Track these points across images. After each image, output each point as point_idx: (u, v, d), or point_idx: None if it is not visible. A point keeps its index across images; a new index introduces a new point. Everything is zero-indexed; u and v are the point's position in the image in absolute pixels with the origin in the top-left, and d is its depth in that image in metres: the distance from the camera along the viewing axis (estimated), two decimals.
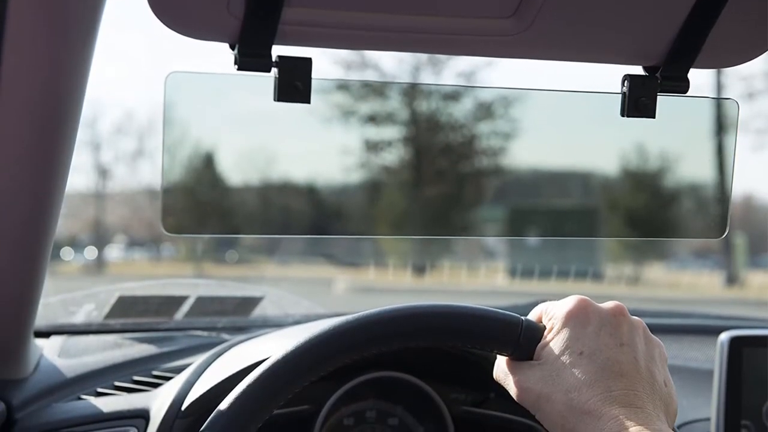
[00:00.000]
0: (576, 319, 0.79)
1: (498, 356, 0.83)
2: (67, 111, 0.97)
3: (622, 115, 0.87)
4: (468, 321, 0.82)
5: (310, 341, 0.80)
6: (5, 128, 0.93)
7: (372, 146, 0.98)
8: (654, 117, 0.87)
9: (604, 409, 0.73)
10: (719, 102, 0.93)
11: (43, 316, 1.46)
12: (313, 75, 0.77)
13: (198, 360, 1.28)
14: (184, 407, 1.18)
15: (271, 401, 0.80)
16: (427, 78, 18.37)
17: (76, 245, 18.77)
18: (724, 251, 17.07)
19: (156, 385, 1.29)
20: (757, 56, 0.90)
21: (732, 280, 16.28)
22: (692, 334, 1.77)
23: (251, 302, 1.71)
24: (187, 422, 1.17)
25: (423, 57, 16.85)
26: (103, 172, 22.00)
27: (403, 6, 0.78)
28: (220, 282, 1.95)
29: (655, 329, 0.84)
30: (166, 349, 1.45)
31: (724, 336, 1.32)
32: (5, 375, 1.24)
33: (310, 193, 0.97)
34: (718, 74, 16.89)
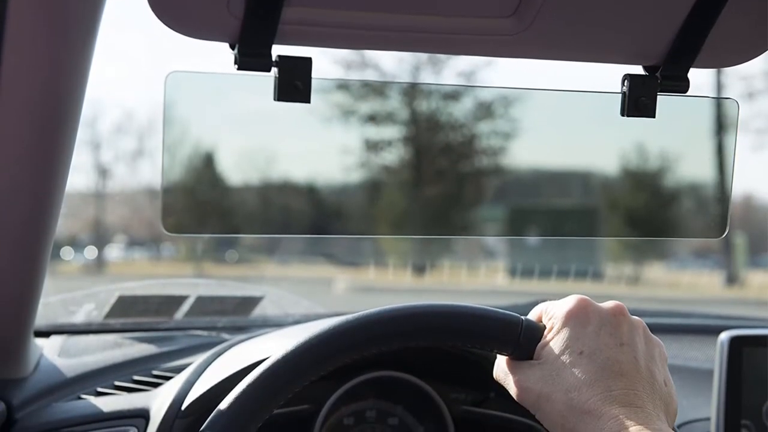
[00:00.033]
0: (576, 318, 0.79)
1: (498, 356, 0.83)
2: (67, 111, 0.97)
3: (622, 115, 0.88)
4: (468, 321, 0.82)
5: (310, 341, 0.80)
6: (5, 128, 0.93)
7: (372, 146, 0.98)
8: (654, 117, 0.87)
9: (604, 408, 0.73)
10: (719, 102, 0.93)
11: (43, 316, 1.46)
12: (313, 74, 0.77)
13: (198, 360, 1.28)
14: (184, 407, 1.18)
15: (271, 401, 0.80)
16: (427, 78, 18.37)
17: (76, 245, 18.76)
18: (724, 251, 17.07)
19: (156, 385, 1.29)
20: (757, 56, 0.90)
21: (732, 279, 16.28)
22: (692, 334, 1.77)
23: (251, 302, 1.71)
24: (187, 422, 1.17)
25: (423, 56, 16.85)
26: (103, 172, 22.00)
27: (403, 5, 0.78)
28: (220, 282, 1.95)
29: (655, 329, 0.84)
30: (166, 348, 1.45)
31: (724, 336, 1.32)
32: (5, 374, 1.24)
33: (310, 192, 0.97)
34: (718, 74, 16.89)
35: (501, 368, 0.82)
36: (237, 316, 1.67)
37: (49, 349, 1.40)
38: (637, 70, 0.88)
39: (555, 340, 0.78)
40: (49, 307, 1.58)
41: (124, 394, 1.29)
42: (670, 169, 1.03)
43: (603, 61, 0.88)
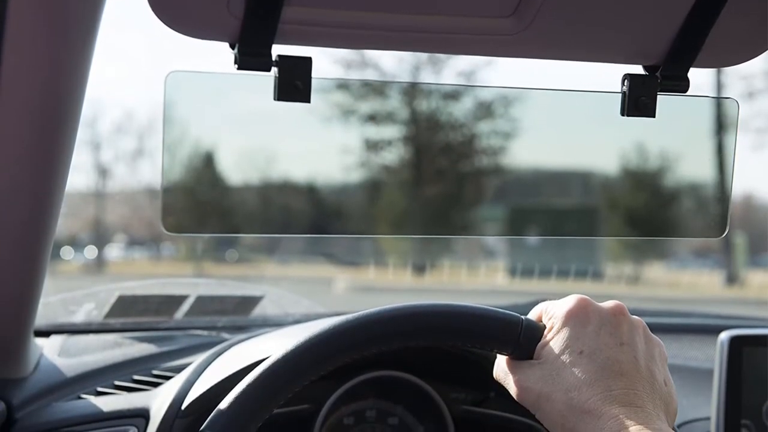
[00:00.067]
0: (576, 318, 0.79)
1: (498, 355, 0.83)
2: (67, 111, 0.97)
3: (622, 115, 0.87)
4: (468, 320, 0.82)
5: (310, 340, 0.80)
6: (5, 128, 0.93)
7: (372, 145, 0.98)
8: (654, 116, 0.87)
9: (604, 408, 0.73)
10: (719, 101, 0.93)
11: (43, 316, 1.46)
12: (313, 74, 0.77)
13: (198, 359, 1.28)
14: (184, 406, 1.18)
15: (271, 400, 0.80)
16: (427, 77, 18.37)
17: (76, 244, 18.76)
18: (724, 250, 17.06)
19: (156, 385, 1.29)
20: (757, 55, 0.90)
21: (732, 279, 16.27)
22: (692, 334, 1.77)
23: (251, 301, 1.71)
24: (187, 421, 1.17)
25: (423, 56, 16.85)
26: (103, 172, 22.00)
27: (403, 5, 0.78)
28: (220, 281, 1.95)
29: (655, 328, 0.84)
30: (166, 348, 1.45)
31: (724, 335, 1.32)
32: (5, 374, 1.24)
33: (310, 192, 0.97)
34: (718, 73, 16.89)
35: (501, 368, 0.82)
36: (237, 316, 1.67)
37: (49, 349, 1.40)
38: (637, 69, 0.88)
39: (555, 340, 0.78)
40: (49, 307, 1.58)
41: (124, 393, 1.29)
42: (670, 169, 1.03)
43: (603, 61, 0.88)
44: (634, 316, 0.81)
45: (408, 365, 1.29)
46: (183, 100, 0.79)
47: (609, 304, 0.81)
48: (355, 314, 0.82)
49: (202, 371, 1.23)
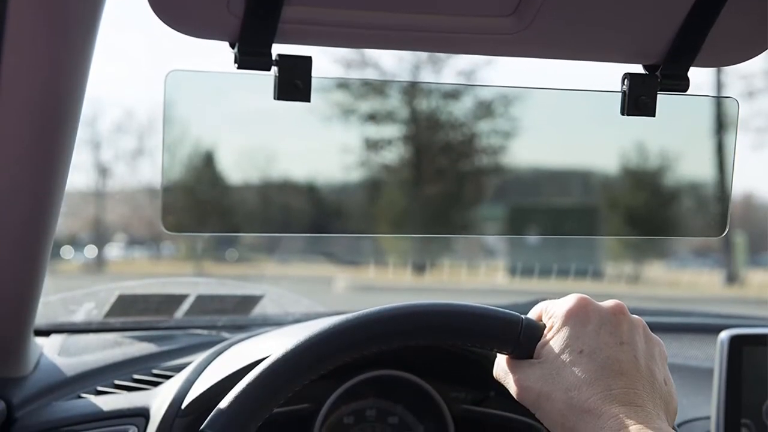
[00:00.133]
0: (576, 317, 0.79)
1: (498, 355, 0.83)
2: (67, 111, 0.97)
3: (622, 114, 0.87)
4: (468, 319, 0.82)
5: (310, 340, 0.80)
6: (5, 128, 0.93)
7: (372, 145, 0.98)
8: (654, 115, 0.87)
9: (604, 407, 0.73)
10: (719, 100, 0.93)
11: (43, 315, 1.46)
12: (313, 73, 0.77)
13: (198, 358, 1.28)
14: (184, 406, 1.18)
15: (271, 400, 0.80)
16: (427, 76, 18.37)
17: (76, 244, 18.76)
18: (724, 250, 17.06)
19: (156, 384, 1.29)
20: (757, 54, 0.90)
21: (732, 278, 16.27)
22: (692, 333, 1.77)
23: (251, 301, 1.71)
24: (187, 421, 1.17)
25: (423, 55, 16.84)
26: (103, 171, 21.99)
27: (403, 4, 0.78)
28: (220, 280, 1.95)
29: (655, 328, 0.84)
30: (166, 347, 1.45)
31: (724, 334, 1.32)
32: (5, 373, 1.24)
33: (310, 191, 0.97)
34: (718, 73, 16.88)
35: (501, 367, 0.82)
36: (237, 315, 1.67)
37: (49, 348, 1.40)
38: (637, 69, 0.88)
39: (555, 339, 0.78)
40: (49, 306, 1.58)
41: (124, 393, 1.29)
42: (670, 168, 1.03)
43: (603, 60, 0.88)
44: (634, 316, 0.81)
45: (408, 364, 1.29)
46: (183, 100, 0.79)
47: (609, 303, 0.81)
48: (355, 313, 0.82)
49: (202, 370, 1.23)
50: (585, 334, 0.77)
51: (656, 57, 0.86)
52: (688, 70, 0.87)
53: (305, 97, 0.78)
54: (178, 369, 1.29)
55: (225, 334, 1.52)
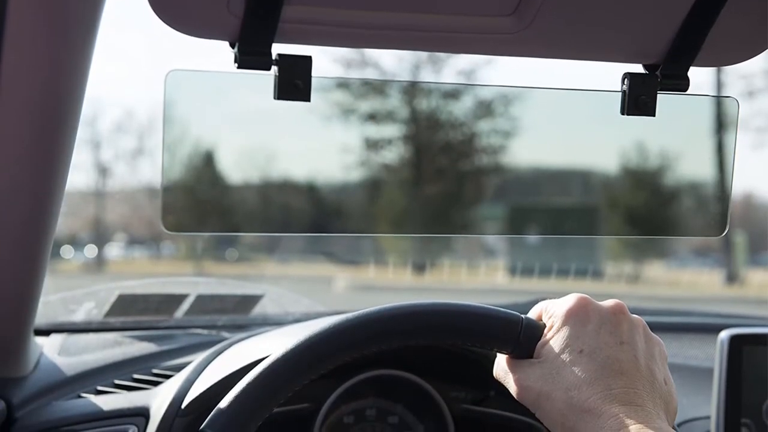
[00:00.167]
0: (576, 317, 0.79)
1: (498, 354, 0.83)
2: (67, 111, 0.97)
3: (622, 114, 0.87)
4: (468, 319, 0.82)
5: (310, 339, 0.80)
6: (5, 128, 0.93)
7: (372, 144, 0.98)
8: (654, 115, 0.87)
9: (604, 407, 0.73)
10: (719, 100, 0.93)
11: (43, 315, 1.46)
12: (313, 73, 0.77)
13: (198, 358, 1.28)
14: (184, 405, 1.18)
15: (271, 399, 0.80)
16: (427, 76, 18.37)
17: (76, 243, 18.76)
18: (724, 249, 17.05)
19: (156, 384, 1.29)
20: (757, 54, 0.90)
21: (732, 278, 16.27)
22: (692, 333, 1.77)
23: (251, 300, 1.71)
24: (187, 420, 1.17)
25: (423, 55, 16.84)
26: (103, 171, 21.99)
27: (403, 4, 0.78)
28: (220, 280, 1.95)
29: (655, 327, 0.84)
30: (166, 347, 1.45)
31: (724, 334, 1.32)
32: (5, 373, 1.24)
33: (310, 191, 0.97)
34: (718, 72, 16.88)
35: (501, 367, 0.82)
36: (237, 315, 1.67)
37: (49, 348, 1.40)
38: (637, 68, 0.88)
39: (555, 339, 0.78)
40: (49, 306, 1.58)
41: (124, 392, 1.29)
42: (670, 168, 1.03)
43: (603, 60, 0.88)
44: (634, 315, 0.81)
45: (408, 364, 1.29)
46: (183, 99, 0.79)
47: (609, 302, 0.81)
48: (355, 313, 0.82)
49: (202, 370, 1.23)
50: (585, 333, 0.77)
51: (656, 57, 0.86)
52: (688, 69, 0.87)
53: (305, 96, 0.78)
54: (178, 369, 1.29)
55: (225, 334, 1.52)
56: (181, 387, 1.20)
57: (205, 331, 1.55)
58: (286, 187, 0.94)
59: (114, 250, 20.70)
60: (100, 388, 1.30)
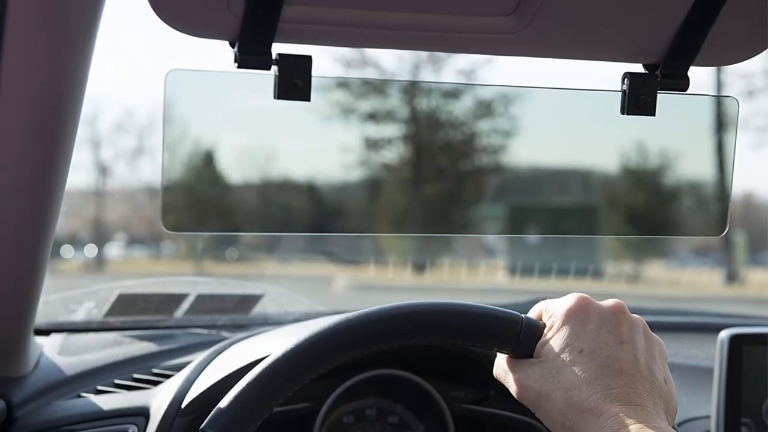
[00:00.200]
0: (576, 316, 0.79)
1: (498, 354, 0.83)
2: (67, 110, 0.97)
3: (622, 113, 0.87)
4: (468, 319, 0.82)
5: (310, 339, 0.80)
6: (5, 128, 0.93)
7: (372, 144, 0.98)
8: (654, 115, 0.87)
9: (604, 406, 0.73)
10: (719, 100, 0.93)
11: (43, 314, 1.46)
12: (313, 73, 0.77)
13: (198, 358, 1.28)
14: (184, 405, 1.18)
15: (271, 399, 0.80)
16: (427, 76, 18.37)
17: (76, 243, 18.75)
18: (724, 249, 17.05)
19: (156, 383, 1.29)
20: (757, 54, 0.90)
21: (732, 277, 16.26)
22: (692, 332, 1.77)
23: (251, 300, 1.71)
24: (187, 420, 1.17)
25: (423, 55, 16.84)
26: (103, 170, 21.99)
27: (403, 4, 0.78)
28: (220, 280, 1.95)
29: (655, 327, 0.84)
30: (166, 347, 1.45)
31: (724, 334, 1.32)
32: (5, 373, 1.24)
33: (310, 190, 0.97)
34: (718, 72, 16.87)
35: (501, 366, 0.82)
36: (237, 314, 1.67)
37: (49, 348, 1.40)
38: (637, 68, 0.88)
39: (555, 339, 0.78)
40: (49, 306, 1.58)
41: (124, 392, 1.29)
42: (670, 168, 1.03)
43: (603, 60, 0.88)
44: (634, 315, 0.81)
45: (408, 364, 1.29)
46: (183, 99, 0.79)
47: (609, 302, 0.81)
48: (355, 313, 0.82)
49: (202, 370, 1.23)
50: (585, 333, 0.77)
51: (656, 56, 0.86)
52: (688, 69, 0.87)
53: (305, 96, 0.78)
54: (178, 368, 1.29)
55: (225, 334, 1.52)
56: (181, 387, 1.20)
57: (205, 331, 1.55)
58: (286, 186, 0.94)
59: (114, 250, 20.70)
60: (100, 387, 1.30)
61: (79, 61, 0.94)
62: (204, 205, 0.92)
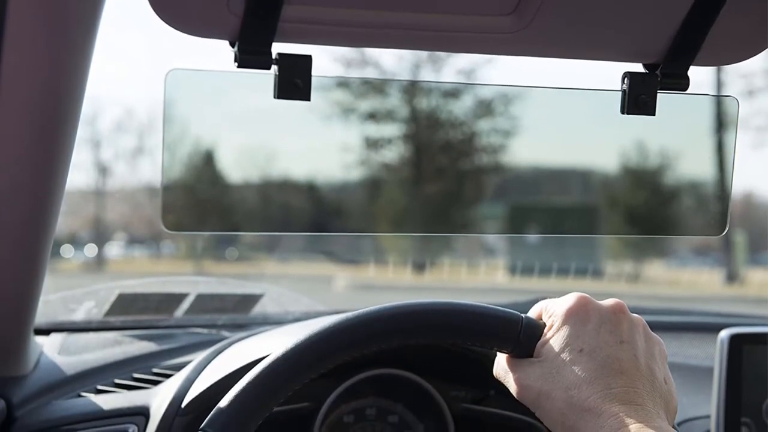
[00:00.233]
0: (576, 316, 0.79)
1: (498, 353, 0.83)
2: (67, 110, 0.97)
3: (622, 113, 0.87)
4: (468, 318, 0.82)
5: (310, 338, 0.80)
6: (5, 128, 0.93)
7: (372, 143, 0.98)
8: (654, 114, 0.87)
9: (604, 406, 0.73)
10: (719, 99, 0.93)
11: (43, 314, 1.46)
12: (313, 72, 0.77)
13: (198, 357, 1.28)
14: (184, 404, 1.18)
15: (271, 399, 0.80)
16: (427, 75, 18.37)
17: (76, 243, 18.76)
18: (724, 249, 17.05)
19: (156, 383, 1.29)
20: (757, 53, 0.90)
21: (732, 277, 16.26)
22: (692, 332, 1.77)
23: (251, 299, 1.71)
24: (187, 420, 1.17)
25: (423, 54, 16.83)
26: (103, 170, 22.00)
27: (403, 3, 0.78)
28: (220, 279, 1.95)
29: (655, 327, 0.84)
30: (166, 346, 1.45)
31: (724, 333, 1.32)
32: (5, 372, 1.24)
33: (310, 190, 0.97)
34: (718, 71, 16.87)
35: (501, 366, 0.82)
36: (237, 314, 1.67)
37: (49, 347, 1.40)
38: (637, 67, 0.88)
39: (555, 338, 0.78)
40: (49, 305, 1.58)
41: (124, 391, 1.29)
42: (670, 167, 1.03)
43: (603, 59, 0.88)
44: (634, 314, 0.81)
45: (408, 363, 1.29)
46: (183, 98, 0.79)
47: (609, 302, 0.81)
48: (355, 312, 0.82)
49: (202, 369, 1.23)
50: (585, 332, 0.77)
51: (656, 56, 0.86)
52: (688, 68, 0.87)
53: (305, 96, 0.78)
54: (178, 368, 1.29)
55: (225, 333, 1.52)
56: (181, 386, 1.20)
57: (205, 330, 1.55)
58: (286, 186, 0.94)
59: (114, 249, 20.70)
60: (100, 387, 1.30)
61: (79, 61, 0.94)
62: (204, 204, 0.92)
